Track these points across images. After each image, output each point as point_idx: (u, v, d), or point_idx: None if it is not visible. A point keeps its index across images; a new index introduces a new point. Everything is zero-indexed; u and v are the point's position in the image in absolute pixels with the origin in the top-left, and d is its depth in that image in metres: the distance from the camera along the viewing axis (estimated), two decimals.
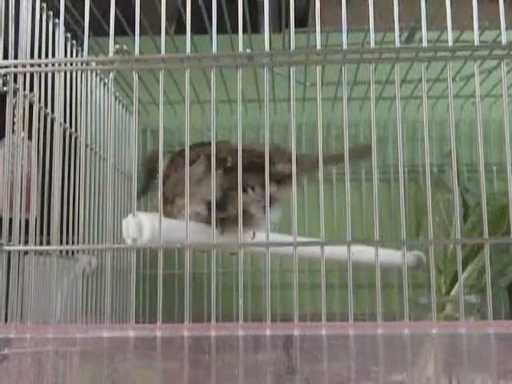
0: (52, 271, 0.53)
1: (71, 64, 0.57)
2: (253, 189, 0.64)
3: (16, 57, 0.56)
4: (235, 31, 0.54)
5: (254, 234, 0.66)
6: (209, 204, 0.54)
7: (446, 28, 0.53)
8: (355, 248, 0.52)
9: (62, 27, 0.59)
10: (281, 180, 0.65)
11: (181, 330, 0.47)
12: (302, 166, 0.63)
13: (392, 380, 0.45)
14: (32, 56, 0.57)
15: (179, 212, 0.64)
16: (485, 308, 0.50)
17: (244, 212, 0.52)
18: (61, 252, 0.63)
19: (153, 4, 0.61)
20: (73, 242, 0.63)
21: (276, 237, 0.64)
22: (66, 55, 0.64)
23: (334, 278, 0.92)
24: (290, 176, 0.52)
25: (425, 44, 0.52)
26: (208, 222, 0.54)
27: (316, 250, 0.52)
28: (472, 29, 0.52)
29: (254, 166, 0.57)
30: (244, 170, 0.52)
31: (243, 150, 0.52)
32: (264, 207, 0.61)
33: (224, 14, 0.71)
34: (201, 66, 0.58)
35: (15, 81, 0.56)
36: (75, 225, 0.63)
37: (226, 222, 0.63)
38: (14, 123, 0.55)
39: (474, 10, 0.52)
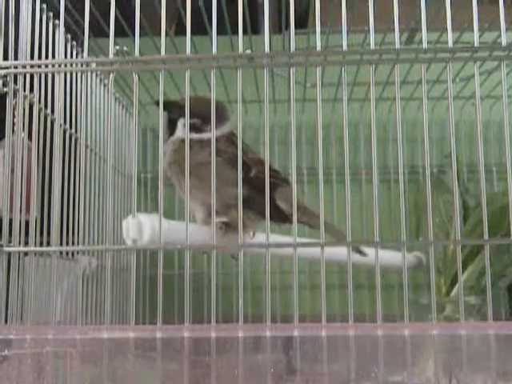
0: (52, 272, 0.53)
1: (71, 65, 0.57)
2: (253, 215, 0.63)
3: (16, 58, 0.56)
4: (235, 32, 0.54)
5: (253, 233, 0.66)
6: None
7: (446, 29, 0.52)
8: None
9: (62, 28, 0.59)
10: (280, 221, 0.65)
11: (181, 331, 0.47)
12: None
13: (392, 381, 0.45)
14: (32, 57, 0.57)
15: (181, 188, 0.64)
16: (485, 309, 0.50)
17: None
18: (61, 253, 0.63)
19: (153, 5, 0.61)
20: (73, 243, 0.63)
21: (276, 238, 0.64)
22: (66, 56, 0.64)
23: (334, 279, 0.92)
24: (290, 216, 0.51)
25: (425, 45, 0.52)
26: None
27: (316, 250, 0.52)
28: (472, 30, 0.52)
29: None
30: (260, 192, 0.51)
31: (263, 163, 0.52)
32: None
33: (224, 14, 0.71)
34: (201, 67, 0.58)
35: (15, 82, 0.56)
36: (75, 226, 0.63)
37: (227, 225, 0.63)
38: (13, 124, 0.55)
39: (474, 11, 0.52)
